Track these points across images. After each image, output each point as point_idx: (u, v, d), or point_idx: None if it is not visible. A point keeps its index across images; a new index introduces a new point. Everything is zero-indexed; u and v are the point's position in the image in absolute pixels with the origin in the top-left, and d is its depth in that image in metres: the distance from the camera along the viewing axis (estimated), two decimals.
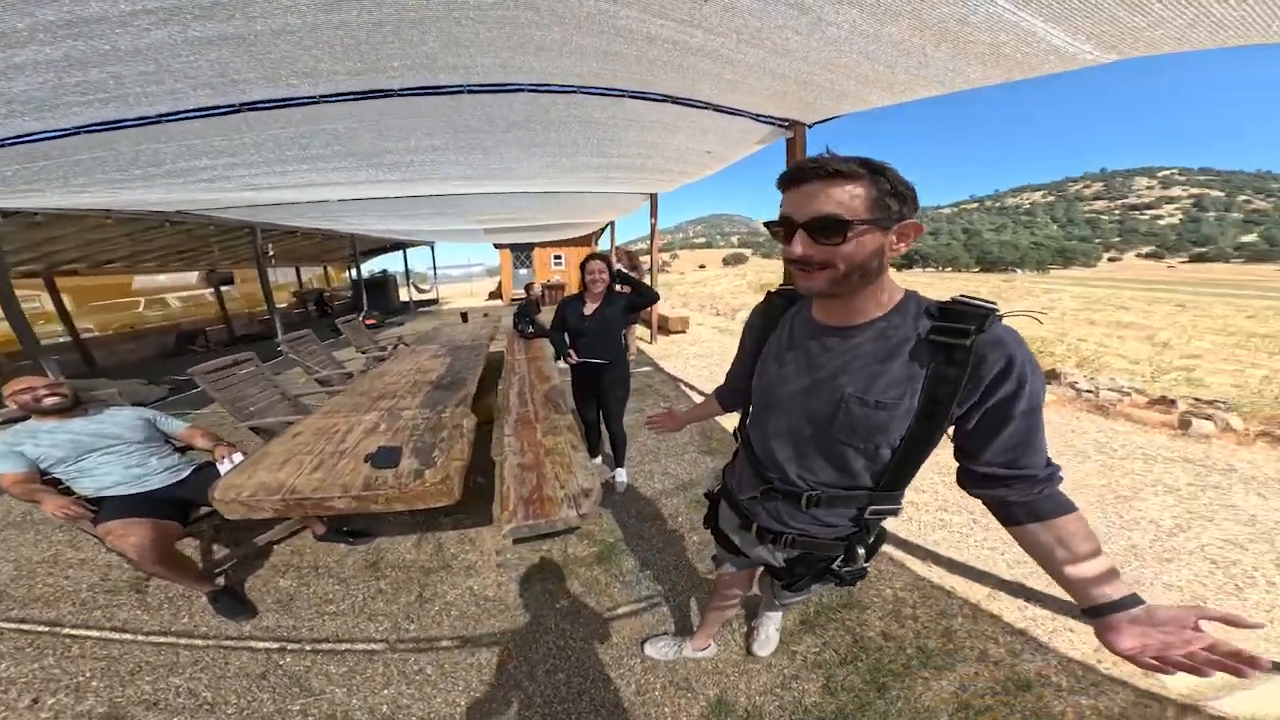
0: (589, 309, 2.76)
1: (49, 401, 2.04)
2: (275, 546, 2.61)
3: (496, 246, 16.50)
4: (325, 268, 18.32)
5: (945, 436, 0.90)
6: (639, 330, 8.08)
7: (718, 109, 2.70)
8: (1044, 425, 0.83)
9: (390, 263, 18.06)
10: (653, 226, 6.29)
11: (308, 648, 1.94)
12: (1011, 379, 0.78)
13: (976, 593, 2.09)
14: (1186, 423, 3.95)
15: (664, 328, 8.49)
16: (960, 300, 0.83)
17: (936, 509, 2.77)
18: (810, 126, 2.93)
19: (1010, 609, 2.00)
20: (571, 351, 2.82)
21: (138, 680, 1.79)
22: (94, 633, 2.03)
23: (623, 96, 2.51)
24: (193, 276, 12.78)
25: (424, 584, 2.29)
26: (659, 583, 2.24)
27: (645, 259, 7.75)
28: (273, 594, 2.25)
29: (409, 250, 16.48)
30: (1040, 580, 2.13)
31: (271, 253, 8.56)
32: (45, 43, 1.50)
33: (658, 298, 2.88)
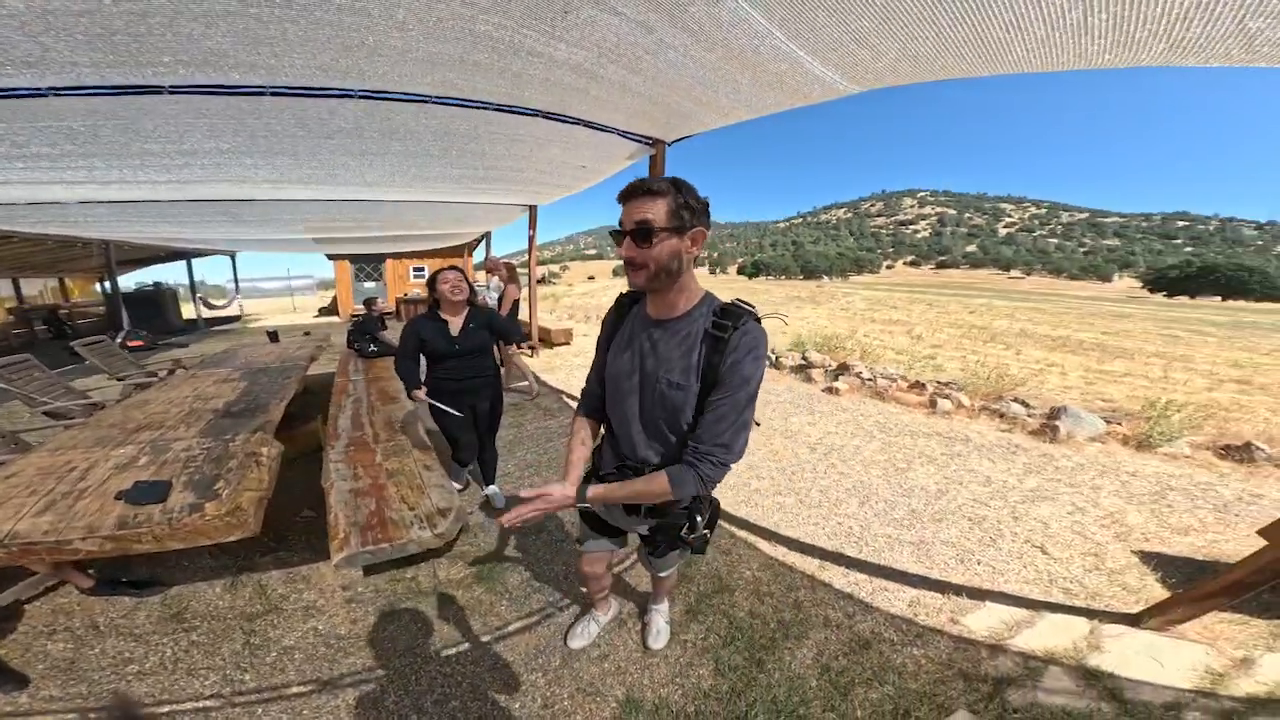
0: (455, 327, 2.50)
1: None
2: (25, 607, 2.09)
3: (330, 257, 14.30)
4: (61, 280, 14.02)
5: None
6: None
7: (588, 125, 2.84)
8: (742, 414, 1.06)
9: (170, 274, 14.45)
10: (531, 238, 6.18)
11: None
12: (736, 366, 1.03)
13: (810, 565, 2.43)
14: (934, 402, 5.12)
15: (546, 340, 8.28)
16: (734, 303, 1.11)
17: (773, 493, 3.21)
18: (670, 144, 3.25)
19: (837, 576, 2.33)
20: (421, 390, 2.51)
21: None
22: None
23: (487, 108, 2.48)
24: None
25: (250, 630, 1.99)
26: (551, 593, 2.23)
27: (525, 271, 7.44)
28: (43, 660, 1.82)
29: (198, 260, 13.35)
30: (854, 547, 2.59)
31: None
32: None
33: (523, 338, 2.71)
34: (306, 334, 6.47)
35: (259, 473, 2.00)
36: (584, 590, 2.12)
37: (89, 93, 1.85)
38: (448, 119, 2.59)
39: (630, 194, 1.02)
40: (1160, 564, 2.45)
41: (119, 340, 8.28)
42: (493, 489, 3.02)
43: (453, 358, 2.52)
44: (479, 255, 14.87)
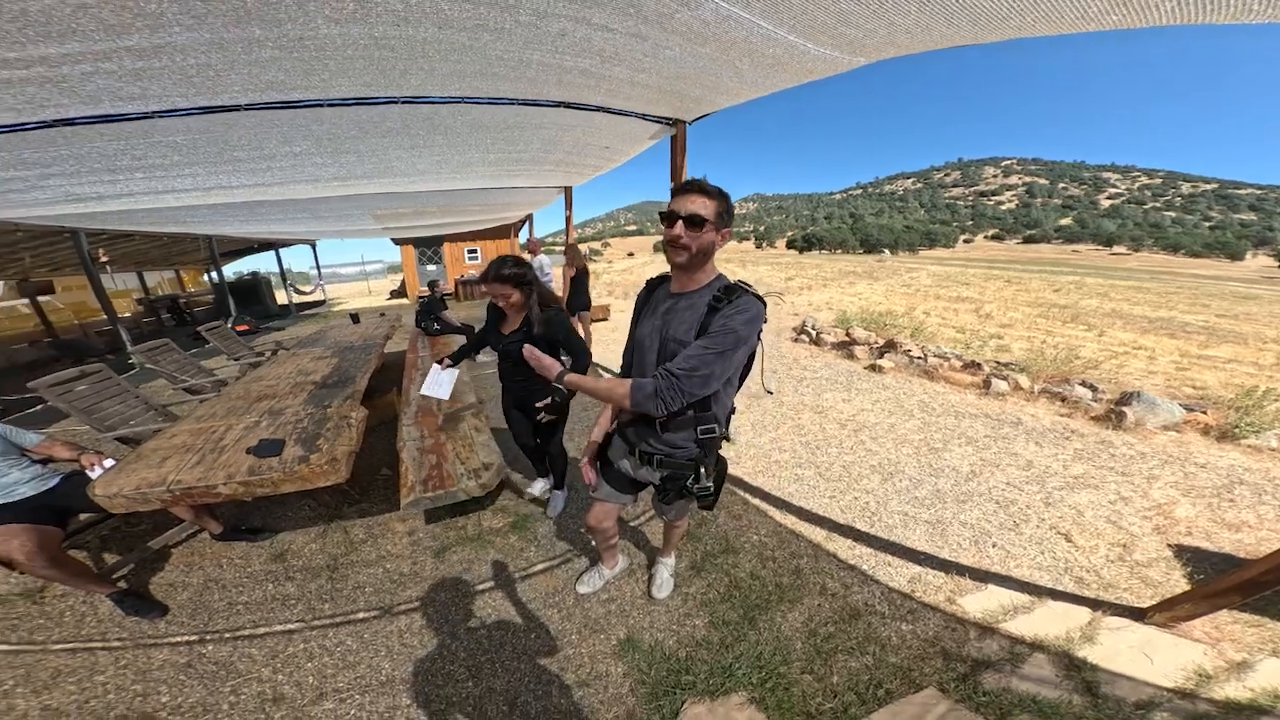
0: (507, 328, 2.31)
1: None
2: (173, 550, 2.57)
3: (396, 242, 15.44)
4: (177, 271, 15.97)
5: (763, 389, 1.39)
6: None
7: (606, 110, 2.99)
8: (711, 356, 1.23)
9: (262, 263, 16.16)
10: (568, 218, 6.43)
11: (227, 636, 1.99)
12: (724, 321, 1.23)
13: (818, 535, 2.51)
14: (988, 383, 4.88)
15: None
16: (737, 284, 1.31)
17: (793, 465, 3.28)
18: (690, 123, 3.35)
19: (843, 548, 2.40)
20: (441, 362, 2.59)
21: (62, 684, 1.79)
22: (3, 646, 1.97)
23: (513, 104, 2.70)
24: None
25: (334, 569, 2.38)
26: (571, 542, 2.51)
27: (583, 247, 7.78)
28: (180, 593, 2.26)
29: (285, 250, 14.83)
30: (866, 522, 2.64)
31: (105, 258, 7.37)
32: None
33: (588, 357, 2.31)
34: (382, 315, 7.14)
35: (349, 432, 2.37)
36: (592, 543, 2.36)
37: (184, 114, 2.23)
38: (479, 113, 2.82)
39: (689, 189, 1.26)
40: (1194, 559, 2.32)
41: (231, 325, 9.50)
42: (558, 496, 2.80)
43: (504, 359, 2.38)
44: (523, 236, 15.73)
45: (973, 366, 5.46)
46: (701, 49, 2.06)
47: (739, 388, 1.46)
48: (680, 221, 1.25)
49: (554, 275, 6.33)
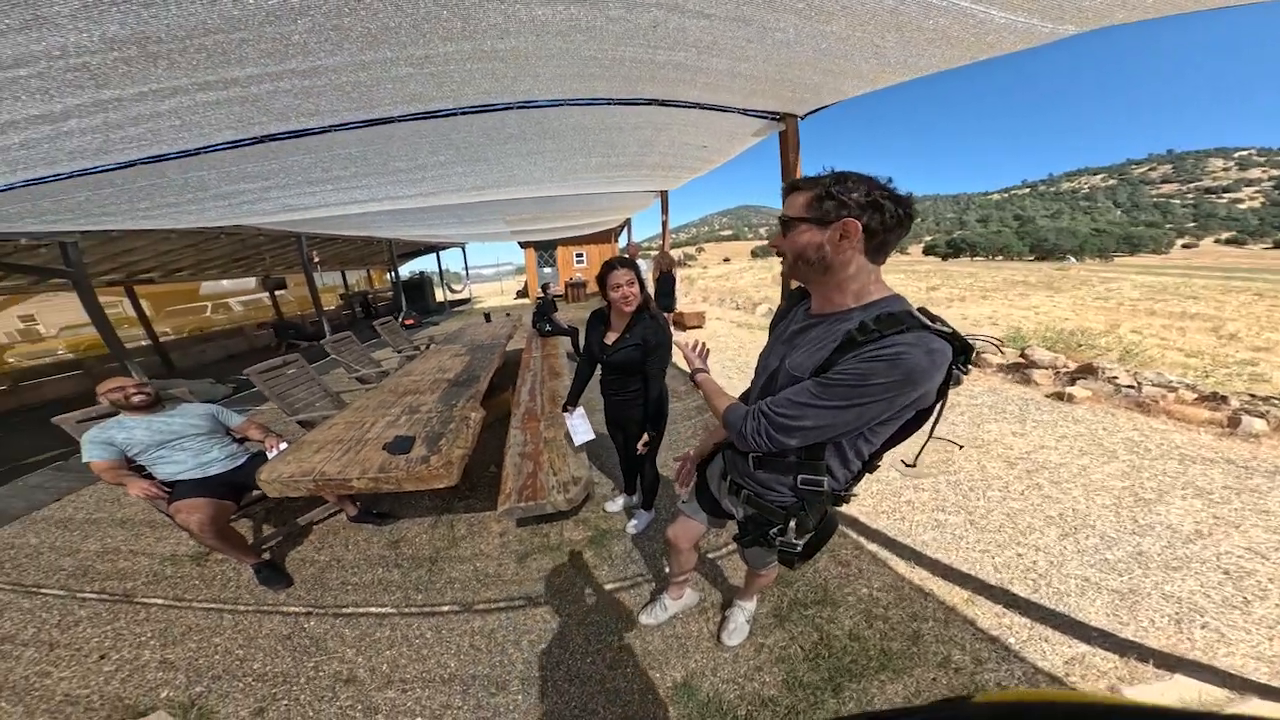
0: (610, 336, 2.13)
1: (136, 399, 2.32)
2: (315, 526, 2.92)
3: (521, 245, 16.99)
4: (368, 271, 19.27)
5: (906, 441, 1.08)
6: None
7: (703, 107, 2.79)
8: (819, 400, 0.94)
9: (427, 264, 18.82)
10: (664, 223, 6.44)
11: (330, 613, 2.19)
12: (852, 361, 0.90)
13: (955, 596, 2.05)
14: (1236, 421, 3.66)
15: (679, 322, 8.54)
16: (905, 313, 0.91)
17: (933, 509, 2.72)
18: (804, 117, 2.96)
19: (987, 614, 1.96)
20: (571, 409, 2.50)
21: (186, 640, 2.09)
22: (158, 600, 2.37)
23: (609, 104, 2.63)
24: (252, 282, 13.80)
25: (434, 561, 2.52)
26: (643, 566, 2.37)
27: (675, 253, 7.86)
28: (308, 567, 2.54)
29: (442, 252, 17.14)
30: (1027, 586, 2.09)
31: (317, 259, 9.15)
32: (88, 113, 1.81)
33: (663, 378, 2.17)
34: (508, 315, 7.79)
35: (466, 434, 2.43)
36: (665, 563, 2.19)
37: (352, 127, 2.56)
38: (580, 115, 2.81)
39: (785, 190, 1.04)
40: None
41: (400, 320, 11.20)
42: (638, 515, 2.65)
43: (604, 367, 2.21)
44: (623, 240, 16.09)
45: (1213, 399, 4.12)
46: (826, 27, 1.74)
47: (887, 448, 1.09)
48: (779, 228, 1.04)
49: (649, 280, 6.38)
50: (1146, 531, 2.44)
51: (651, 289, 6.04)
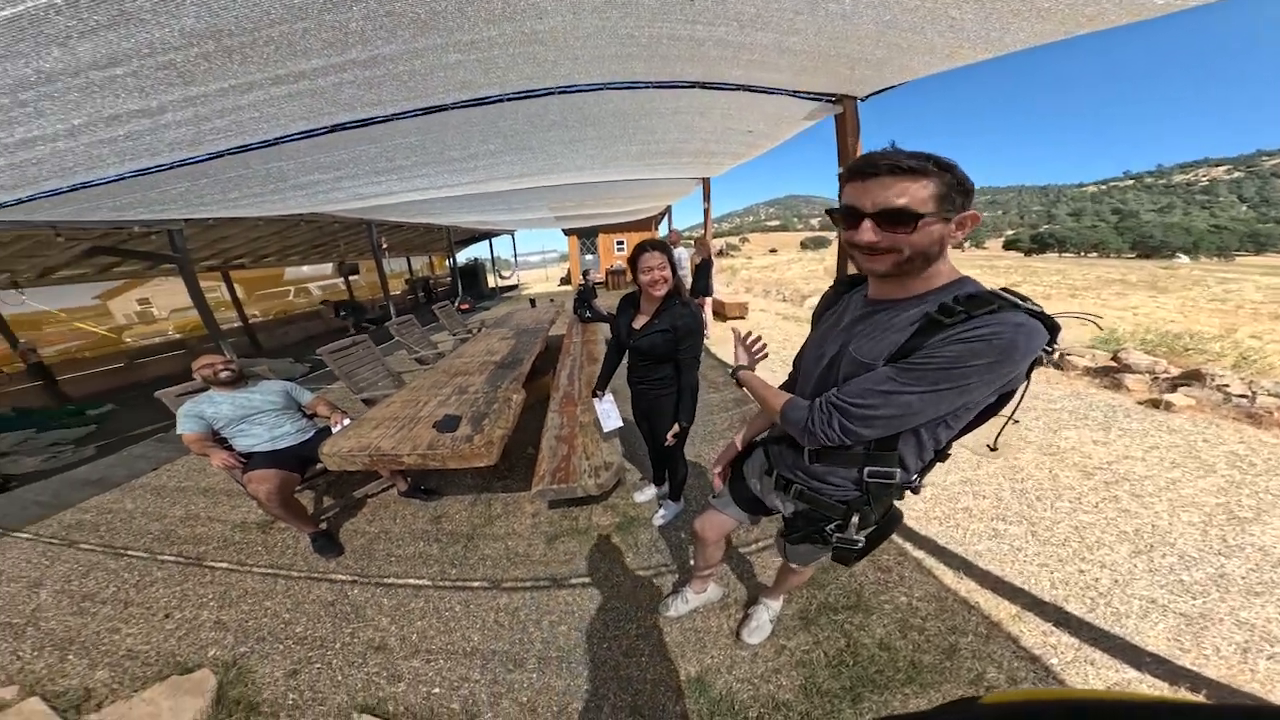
0: (639, 321, 2.08)
1: (224, 375, 2.53)
2: (369, 500, 3.11)
3: (566, 233, 17.29)
4: (430, 257, 20.24)
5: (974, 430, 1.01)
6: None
7: (749, 89, 2.66)
8: (909, 401, 0.87)
9: (480, 251, 19.55)
10: (706, 211, 6.31)
11: (373, 582, 2.33)
12: (939, 344, 0.83)
13: (1003, 611, 1.90)
14: None
15: (721, 313, 8.35)
16: (990, 293, 0.85)
17: (992, 518, 2.52)
18: (864, 99, 2.73)
19: (1034, 632, 1.81)
20: (600, 395, 2.48)
21: (241, 603, 2.27)
22: (224, 564, 2.60)
23: (648, 87, 2.58)
24: (328, 268, 14.88)
25: (471, 538, 2.62)
26: (667, 556, 2.36)
27: (716, 242, 7.76)
28: (359, 537, 2.71)
29: (494, 239, 17.76)
30: (1084, 604, 1.91)
31: (385, 245, 9.72)
32: (180, 108, 2.00)
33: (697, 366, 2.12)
34: (551, 300, 7.98)
35: (508, 414, 2.51)
36: (691, 554, 2.17)
37: (410, 115, 2.66)
38: (619, 100, 2.75)
39: (876, 170, 0.84)
40: None
41: (456, 304, 11.72)
42: (667, 506, 2.61)
43: (631, 351, 2.14)
44: (663, 228, 15.73)
45: None
46: None
47: (963, 433, 1.01)
48: (868, 221, 0.86)
49: (688, 268, 6.27)
50: (1234, 553, 2.18)
51: (690, 279, 5.96)
